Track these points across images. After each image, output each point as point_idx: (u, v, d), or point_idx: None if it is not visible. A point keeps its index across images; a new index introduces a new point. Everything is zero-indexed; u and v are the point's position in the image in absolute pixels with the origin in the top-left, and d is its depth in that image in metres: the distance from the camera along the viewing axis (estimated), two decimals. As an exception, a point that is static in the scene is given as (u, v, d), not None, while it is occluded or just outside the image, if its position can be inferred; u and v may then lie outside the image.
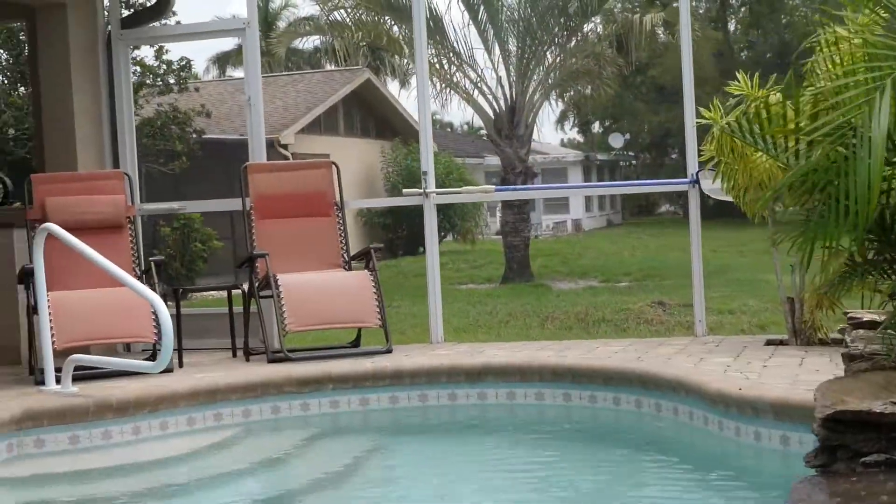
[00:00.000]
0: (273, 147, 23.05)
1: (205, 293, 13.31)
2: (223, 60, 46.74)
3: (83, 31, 8.94)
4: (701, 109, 7.56)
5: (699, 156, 7.92)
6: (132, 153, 9.01)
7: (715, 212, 17.24)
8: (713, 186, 7.82)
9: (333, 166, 8.60)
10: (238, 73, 46.56)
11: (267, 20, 45.30)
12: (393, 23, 21.26)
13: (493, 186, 10.95)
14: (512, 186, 19.28)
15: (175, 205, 9.36)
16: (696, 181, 8.22)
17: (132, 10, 14.82)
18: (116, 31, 9.04)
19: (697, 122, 7.78)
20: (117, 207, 8.12)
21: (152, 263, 7.76)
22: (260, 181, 8.43)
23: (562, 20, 21.26)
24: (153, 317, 7.35)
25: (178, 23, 13.15)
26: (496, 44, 21.02)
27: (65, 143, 8.84)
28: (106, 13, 9.15)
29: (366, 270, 8.09)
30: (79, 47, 8.89)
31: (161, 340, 6.41)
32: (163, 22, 9.61)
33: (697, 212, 8.29)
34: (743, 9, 43.87)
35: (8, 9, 9.30)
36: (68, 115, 8.83)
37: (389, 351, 7.86)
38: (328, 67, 38.18)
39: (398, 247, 28.40)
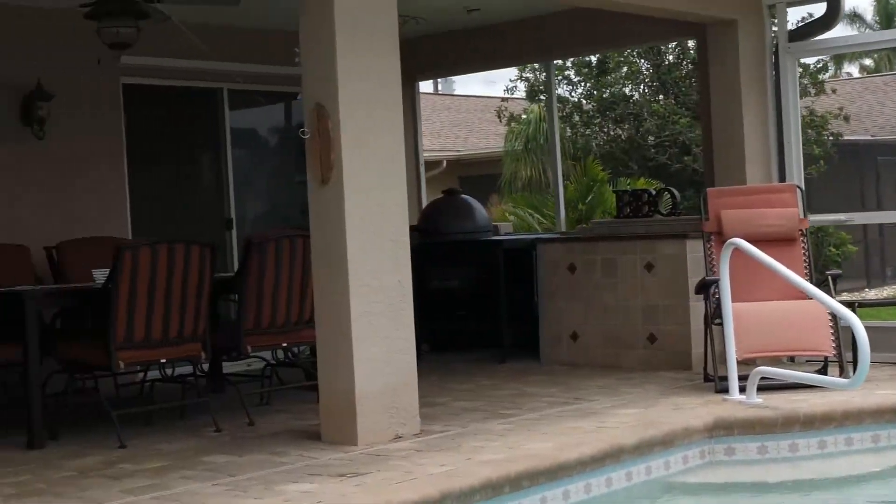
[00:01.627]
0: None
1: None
2: (839, 57, 45.42)
3: (752, 45, 9.10)
4: None
5: None
6: (799, 165, 9.03)
7: None
8: None
9: None
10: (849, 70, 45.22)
11: (886, 13, 43.59)
12: None
13: None
14: None
15: (842, 216, 9.28)
16: None
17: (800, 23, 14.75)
18: (784, 44, 9.10)
19: None
20: (791, 220, 8.15)
21: (829, 277, 7.75)
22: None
23: None
24: (831, 330, 7.35)
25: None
26: None
27: (734, 156, 9.03)
28: (774, 27, 9.25)
29: None
30: (748, 61, 9.06)
31: (852, 357, 6.42)
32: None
33: None
34: None
35: (680, 26, 9.70)
36: (738, 128, 9.02)
37: None
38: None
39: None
